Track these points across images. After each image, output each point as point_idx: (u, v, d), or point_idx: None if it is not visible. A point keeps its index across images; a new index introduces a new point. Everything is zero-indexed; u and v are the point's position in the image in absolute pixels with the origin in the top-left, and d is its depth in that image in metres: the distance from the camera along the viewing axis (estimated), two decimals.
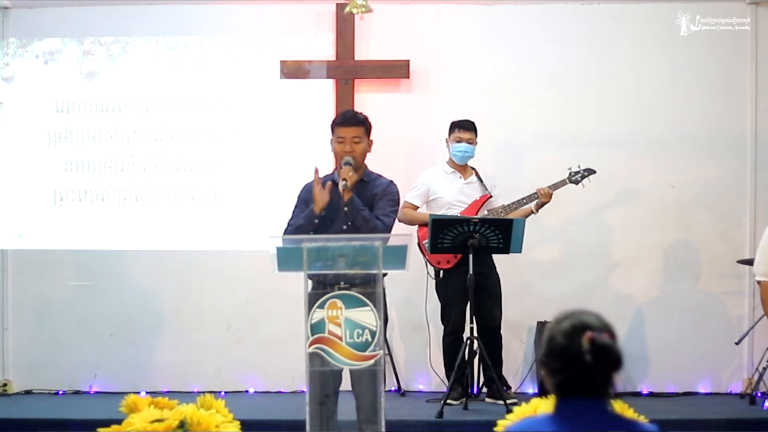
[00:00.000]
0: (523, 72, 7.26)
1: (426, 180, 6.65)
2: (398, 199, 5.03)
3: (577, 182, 6.61)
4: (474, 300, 6.24)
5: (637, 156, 7.19)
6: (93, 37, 7.33)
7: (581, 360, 2.42)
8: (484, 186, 6.60)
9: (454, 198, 6.57)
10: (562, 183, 6.58)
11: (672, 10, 7.11)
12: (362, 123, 5.00)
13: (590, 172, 6.63)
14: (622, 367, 2.44)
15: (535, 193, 6.48)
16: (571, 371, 2.45)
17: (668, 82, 7.21)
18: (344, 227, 4.82)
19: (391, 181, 5.05)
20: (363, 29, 7.21)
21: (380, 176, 5.06)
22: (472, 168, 6.67)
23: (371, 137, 5.04)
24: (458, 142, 6.55)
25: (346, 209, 4.79)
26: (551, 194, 6.48)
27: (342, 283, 4.46)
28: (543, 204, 6.49)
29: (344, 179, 4.80)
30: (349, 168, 4.85)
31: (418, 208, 6.60)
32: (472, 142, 6.57)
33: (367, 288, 4.38)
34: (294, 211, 5.03)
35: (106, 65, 7.34)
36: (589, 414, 2.45)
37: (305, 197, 5.01)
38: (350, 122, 4.99)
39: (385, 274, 4.75)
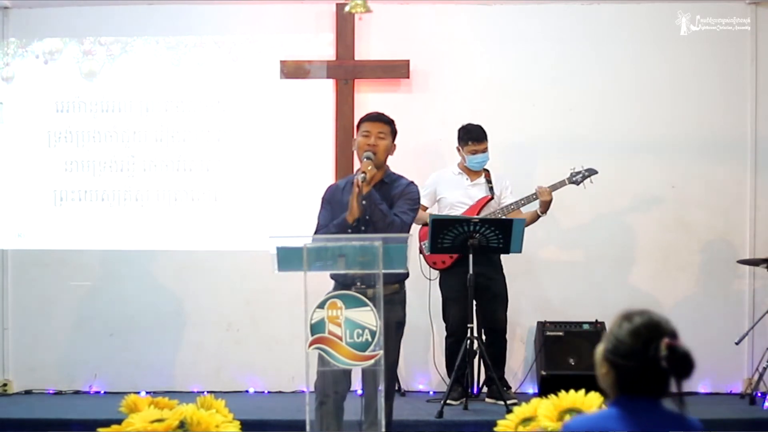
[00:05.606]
0: (523, 72, 7.26)
1: (433, 181, 6.67)
2: (418, 198, 5.02)
3: (577, 183, 6.58)
4: (477, 301, 6.25)
5: (638, 156, 7.18)
6: (93, 37, 7.33)
7: (657, 364, 2.46)
8: (491, 188, 6.60)
9: (457, 199, 6.56)
10: (561, 183, 6.55)
11: (672, 10, 7.11)
12: (389, 123, 5.04)
13: (592, 172, 6.60)
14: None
15: (534, 193, 6.46)
16: (644, 373, 2.48)
17: (668, 82, 7.21)
18: (362, 224, 4.79)
19: (412, 182, 5.03)
20: (363, 29, 7.20)
21: (401, 177, 5.04)
22: (485, 169, 6.66)
23: (395, 143, 5.04)
24: (474, 154, 6.54)
25: (364, 203, 4.77)
26: (551, 192, 6.44)
27: (358, 284, 4.48)
28: (546, 204, 6.42)
29: (363, 172, 4.78)
30: (369, 162, 4.83)
31: (427, 208, 6.61)
32: (486, 150, 6.56)
33: (369, 288, 4.38)
34: (320, 213, 4.99)
35: (106, 65, 7.34)
36: (649, 411, 2.50)
37: (329, 198, 4.99)
38: (378, 119, 5.02)
39: (406, 276, 4.77)
